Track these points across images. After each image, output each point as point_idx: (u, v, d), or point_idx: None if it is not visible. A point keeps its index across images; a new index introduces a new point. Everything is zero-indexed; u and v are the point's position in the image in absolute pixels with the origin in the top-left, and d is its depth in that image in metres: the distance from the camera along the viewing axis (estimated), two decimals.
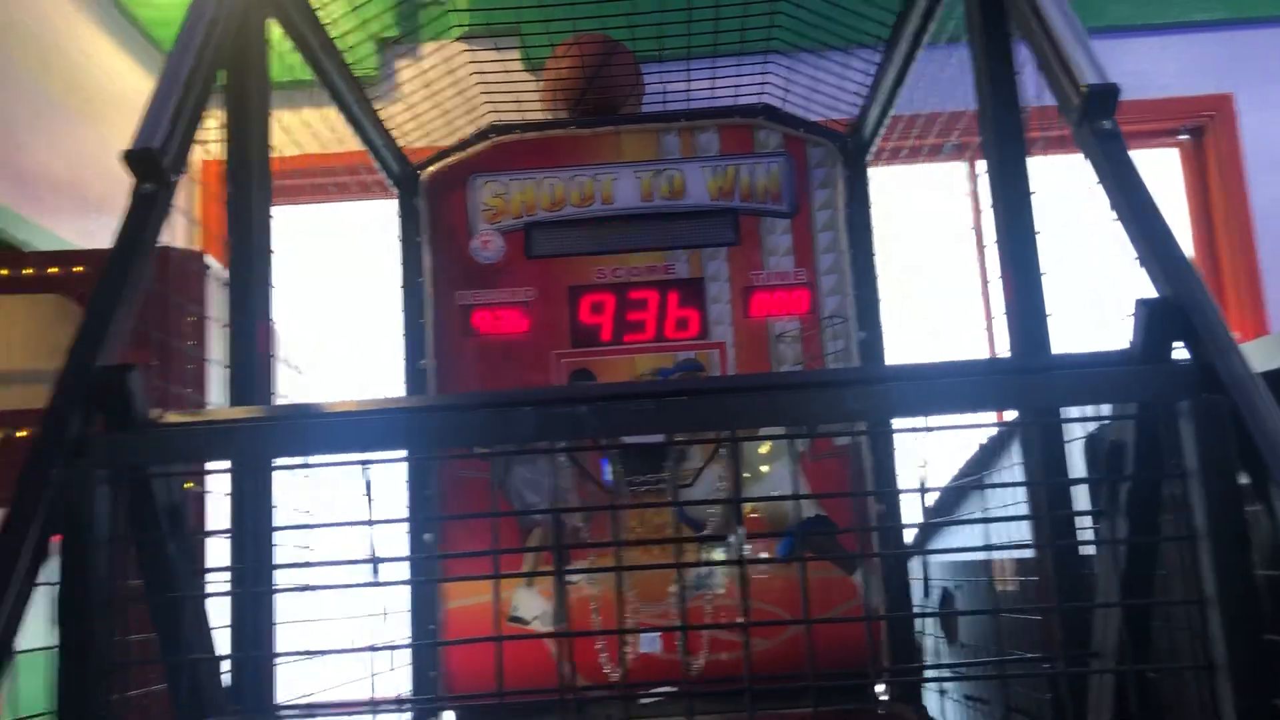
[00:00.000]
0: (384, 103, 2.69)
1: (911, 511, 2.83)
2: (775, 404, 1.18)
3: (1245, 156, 4.09)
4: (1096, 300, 1.68)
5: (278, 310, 1.91)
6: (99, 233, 3.27)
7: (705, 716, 1.18)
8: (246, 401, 1.75)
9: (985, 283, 3.12)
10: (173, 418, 1.25)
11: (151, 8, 3.69)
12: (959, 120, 2.37)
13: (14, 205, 2.86)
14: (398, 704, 1.27)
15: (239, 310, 1.80)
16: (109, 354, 1.26)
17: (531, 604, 2.56)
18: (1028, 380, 1.21)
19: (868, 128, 2.74)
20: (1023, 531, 1.99)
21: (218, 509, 1.93)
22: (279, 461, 1.65)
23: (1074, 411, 1.65)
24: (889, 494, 2.63)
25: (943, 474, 2.63)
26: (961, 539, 2.51)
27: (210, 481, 1.95)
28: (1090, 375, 1.20)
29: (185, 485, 1.30)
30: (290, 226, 2.17)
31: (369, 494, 1.20)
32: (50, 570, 1.15)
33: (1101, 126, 1.38)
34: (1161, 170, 4.18)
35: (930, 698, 2.47)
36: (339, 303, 2.57)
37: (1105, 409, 1.31)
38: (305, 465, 1.24)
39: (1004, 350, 1.87)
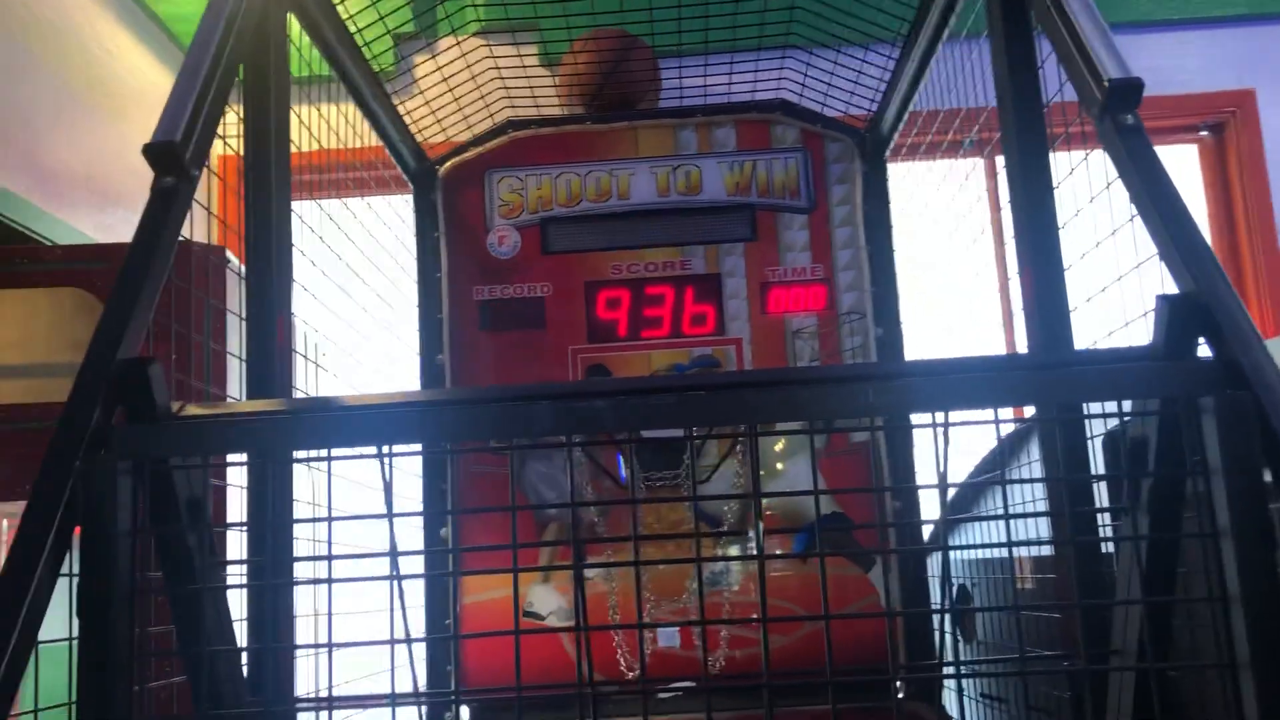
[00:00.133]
0: (401, 98, 2.70)
1: (929, 509, 2.82)
2: (794, 399, 1.18)
3: (1267, 153, 4.06)
4: (1102, 299, 1.66)
5: (298, 305, 1.92)
6: (118, 227, 3.29)
7: (721, 713, 1.18)
8: (263, 395, 1.75)
9: (1005, 279, 3.11)
10: (193, 410, 1.26)
11: (171, 3, 3.70)
12: (978, 116, 2.36)
13: (35, 199, 2.88)
14: (416, 698, 1.27)
15: (257, 304, 1.80)
16: (130, 347, 1.26)
17: (547, 600, 2.56)
18: (1049, 376, 1.21)
19: (886, 123, 2.73)
20: (1039, 530, 1.98)
21: (237, 502, 1.94)
22: (298, 454, 1.65)
23: (1093, 409, 1.64)
24: (906, 490, 2.63)
25: (959, 472, 2.62)
26: (978, 537, 2.50)
27: (230, 474, 1.96)
28: (1112, 371, 1.19)
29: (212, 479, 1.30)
30: (309, 222, 2.17)
31: (388, 487, 1.20)
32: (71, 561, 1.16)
33: (1124, 120, 1.37)
34: (1179, 167, 4.16)
35: (947, 696, 2.46)
36: (357, 298, 2.57)
37: (1124, 406, 1.30)
38: (325, 458, 1.23)
39: (1022, 347, 1.86)
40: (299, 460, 1.76)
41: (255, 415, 1.26)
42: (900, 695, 2.48)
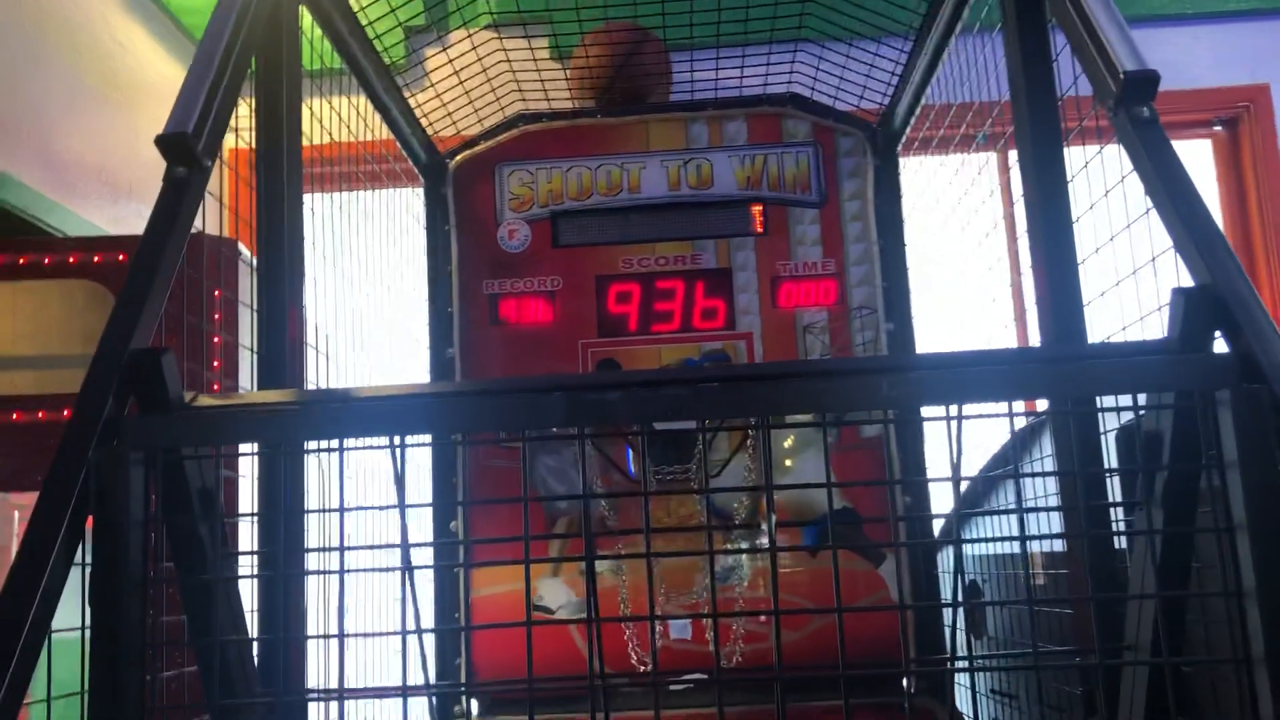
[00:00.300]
0: (412, 90, 2.69)
1: (939, 505, 2.82)
2: (808, 391, 1.17)
3: None
4: (1116, 294, 1.66)
5: (309, 297, 1.92)
6: (130, 219, 3.30)
7: (732, 708, 1.18)
8: (274, 386, 1.76)
9: (1018, 274, 3.10)
10: (205, 401, 1.26)
11: None
12: (991, 110, 2.35)
13: (47, 191, 2.89)
14: (427, 689, 1.27)
15: (268, 296, 1.81)
16: (143, 337, 1.26)
17: (557, 593, 2.56)
18: (1063, 369, 1.20)
19: (898, 117, 2.72)
20: (1051, 525, 1.97)
21: (248, 493, 1.94)
22: (310, 445, 1.65)
23: (1106, 403, 1.63)
24: (917, 485, 2.62)
25: (968, 468, 2.61)
26: (988, 533, 2.50)
27: (241, 465, 1.97)
28: (1127, 364, 1.18)
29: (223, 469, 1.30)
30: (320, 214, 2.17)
31: (400, 478, 1.20)
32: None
33: (1139, 113, 1.36)
34: (1193, 163, 4.14)
35: (957, 692, 2.46)
36: (368, 291, 2.57)
37: (1139, 400, 1.29)
38: (337, 449, 1.23)
39: (1035, 343, 1.85)
40: (310, 451, 1.76)
41: (267, 406, 1.26)
42: (910, 691, 2.48)
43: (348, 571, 1.20)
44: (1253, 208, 4.09)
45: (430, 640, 2.55)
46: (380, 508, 1.24)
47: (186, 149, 1.40)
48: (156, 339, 1.31)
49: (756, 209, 2.74)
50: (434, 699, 2.44)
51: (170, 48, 3.74)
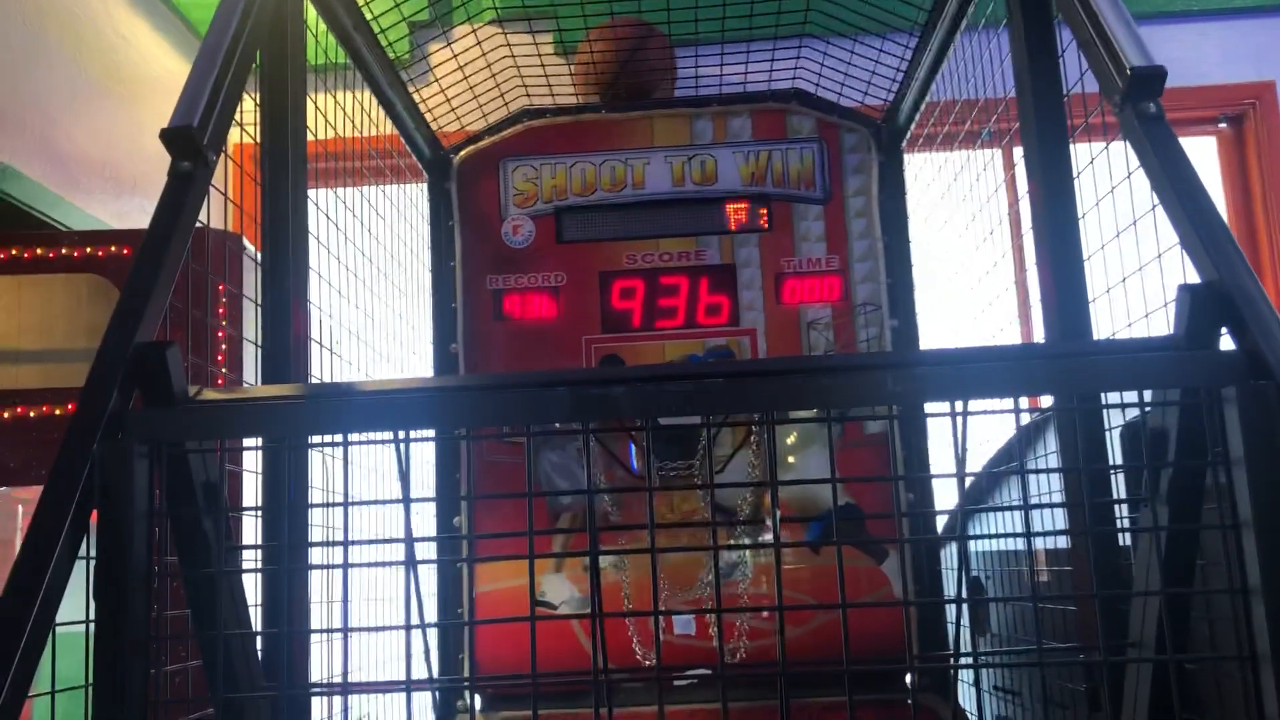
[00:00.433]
0: (416, 86, 2.69)
1: (942, 503, 2.82)
2: (814, 387, 1.17)
3: None
4: (1121, 291, 1.65)
5: (313, 292, 1.92)
6: (134, 214, 3.30)
7: (735, 704, 1.18)
8: (279, 381, 1.75)
9: (1022, 271, 3.09)
10: (210, 395, 1.26)
11: None
12: (996, 107, 2.34)
13: (51, 185, 2.89)
14: (431, 684, 1.27)
15: (273, 290, 1.80)
16: (147, 331, 1.26)
17: (560, 589, 2.56)
18: (1069, 365, 1.20)
19: (903, 113, 2.72)
20: (1054, 522, 1.97)
21: (252, 487, 1.94)
22: (314, 439, 1.65)
23: (1111, 400, 1.63)
24: (920, 482, 2.62)
25: (972, 465, 2.61)
26: (992, 529, 2.49)
27: (245, 460, 1.97)
28: (1133, 361, 1.18)
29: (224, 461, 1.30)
30: (324, 209, 2.17)
31: (404, 473, 1.20)
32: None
33: (1146, 109, 1.36)
34: (1198, 159, 4.12)
35: (960, 689, 2.46)
36: (372, 287, 2.57)
37: (1144, 397, 1.29)
38: (341, 444, 1.23)
39: (1039, 340, 1.85)
40: (314, 445, 1.76)
41: (271, 400, 1.26)
42: (914, 687, 2.48)
43: (351, 566, 1.20)
44: (1258, 205, 4.08)
45: (433, 635, 2.55)
46: (384, 502, 1.24)
47: (191, 143, 1.40)
48: (161, 333, 1.31)
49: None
50: (437, 694, 2.45)
51: (174, 42, 3.74)
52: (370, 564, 1.24)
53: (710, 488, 1.23)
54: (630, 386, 1.17)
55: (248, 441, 1.84)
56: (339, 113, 2.30)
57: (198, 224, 1.43)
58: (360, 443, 1.23)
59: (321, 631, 1.80)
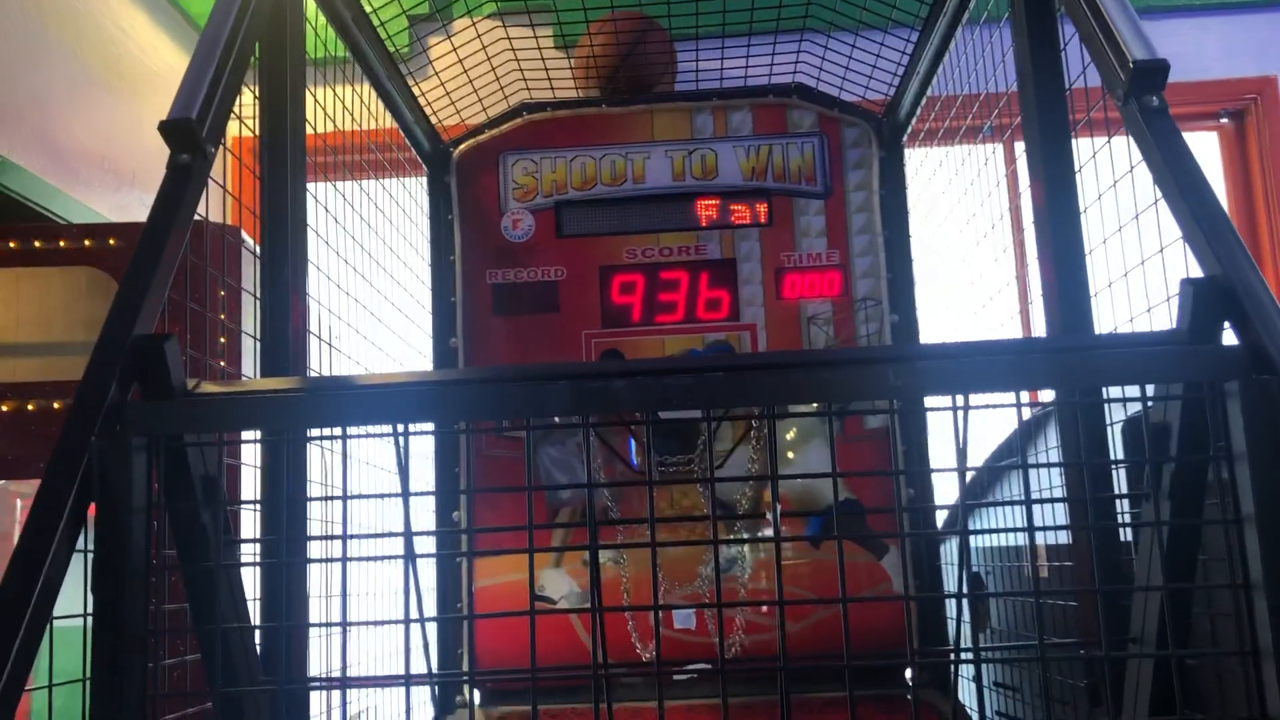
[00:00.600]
0: (416, 79, 2.69)
1: (942, 498, 2.81)
2: (815, 380, 1.17)
3: None
4: (1123, 286, 1.65)
5: (312, 286, 1.91)
6: (133, 207, 3.29)
7: (733, 699, 1.17)
8: (277, 374, 1.75)
9: (1023, 266, 3.09)
10: (208, 387, 1.25)
11: None
12: (997, 101, 2.34)
13: (50, 178, 2.88)
14: (430, 678, 1.27)
15: (272, 284, 1.80)
16: (146, 323, 1.26)
17: (559, 584, 2.56)
18: (1071, 359, 1.19)
19: (904, 108, 2.71)
20: (1054, 518, 1.97)
21: (251, 481, 1.94)
22: (313, 432, 1.65)
23: (1113, 394, 1.62)
24: (921, 476, 2.61)
25: (972, 460, 2.61)
26: (992, 524, 2.49)
27: (244, 453, 1.96)
28: (1135, 355, 1.17)
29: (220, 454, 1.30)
30: (323, 203, 2.17)
31: (403, 467, 1.20)
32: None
33: (1149, 102, 1.35)
34: (1200, 155, 4.10)
35: (960, 685, 2.45)
36: (371, 280, 2.57)
37: (1145, 391, 1.28)
38: (340, 437, 1.23)
39: (1040, 335, 1.84)
40: (313, 439, 1.76)
41: (270, 393, 1.25)
42: (911, 683, 2.47)
43: (350, 560, 1.20)
44: (1259, 200, 4.07)
45: (432, 630, 2.55)
46: (383, 495, 1.24)
47: (190, 135, 1.40)
48: (159, 326, 1.30)
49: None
50: (436, 688, 2.44)
51: (174, 35, 3.73)
52: (369, 558, 1.23)
53: (710, 481, 1.23)
54: (630, 380, 1.17)
55: (246, 434, 1.84)
56: (338, 106, 2.29)
57: (196, 217, 1.43)
58: (359, 436, 1.23)
59: (320, 625, 1.79)
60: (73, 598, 1.16)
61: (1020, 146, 1.86)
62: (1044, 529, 1.50)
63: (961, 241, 2.73)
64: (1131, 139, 1.41)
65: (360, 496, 1.24)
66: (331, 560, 1.27)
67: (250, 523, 2.03)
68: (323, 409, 1.22)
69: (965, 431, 1.17)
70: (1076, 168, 1.71)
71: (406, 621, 1.18)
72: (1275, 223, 4.01)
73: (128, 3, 3.46)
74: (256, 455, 1.75)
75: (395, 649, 2.44)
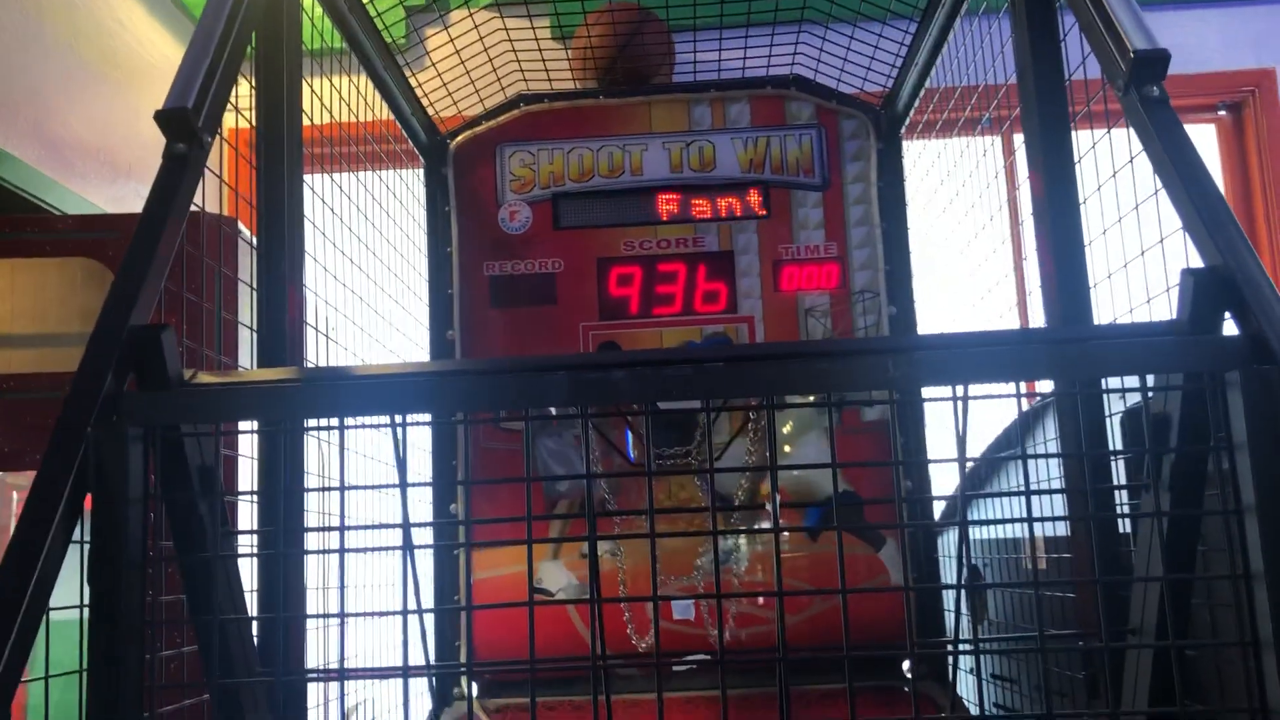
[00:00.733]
0: (413, 70, 2.68)
1: (940, 489, 2.81)
2: (814, 371, 1.16)
3: None
4: (1122, 278, 1.65)
5: (309, 277, 1.90)
6: (129, 199, 3.28)
7: (732, 691, 1.17)
8: (274, 365, 1.74)
9: (1020, 258, 3.09)
10: (205, 378, 1.25)
11: None
12: (995, 93, 2.33)
13: (46, 169, 2.87)
14: (428, 670, 1.26)
15: (268, 275, 1.79)
16: (142, 314, 1.25)
17: (557, 576, 2.56)
18: (1072, 349, 1.19)
19: (902, 99, 2.70)
20: (1052, 509, 1.97)
21: (247, 472, 1.93)
22: (310, 423, 1.64)
23: (1113, 385, 1.62)
24: (919, 468, 2.61)
25: (971, 452, 2.60)
26: (990, 515, 2.49)
27: (241, 444, 1.96)
28: (1136, 345, 1.17)
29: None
30: (320, 194, 2.16)
31: (401, 458, 1.19)
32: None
33: (1149, 92, 1.35)
34: (1196, 146, 4.10)
35: (958, 677, 2.46)
36: (368, 271, 2.56)
37: (1145, 382, 1.28)
38: (337, 427, 1.22)
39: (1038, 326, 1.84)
40: (310, 429, 1.75)
41: (267, 383, 1.25)
42: (910, 675, 2.48)
43: (348, 551, 1.19)
44: (1257, 193, 4.07)
45: (430, 621, 2.55)
46: (380, 486, 1.23)
47: (186, 124, 1.39)
48: (156, 316, 1.30)
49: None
50: (434, 680, 2.44)
51: (170, 26, 3.72)
52: (367, 549, 1.23)
53: (710, 472, 1.23)
54: (629, 371, 1.16)
55: (243, 425, 1.83)
56: (335, 97, 2.28)
57: (193, 208, 1.42)
58: (356, 426, 1.22)
59: (318, 617, 1.79)
60: (69, 589, 1.16)
61: (1019, 138, 1.85)
62: (1045, 519, 1.50)
63: (960, 234, 2.72)
64: (1131, 130, 1.40)
65: (358, 488, 1.23)
66: (329, 552, 1.27)
67: (247, 514, 2.03)
68: (320, 400, 1.22)
69: (965, 422, 1.17)
70: (1076, 159, 1.71)
71: (404, 613, 1.17)
72: (1273, 215, 4.01)
73: None
74: (254, 446, 1.75)
75: (393, 641, 2.44)
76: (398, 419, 1.18)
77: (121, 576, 1.14)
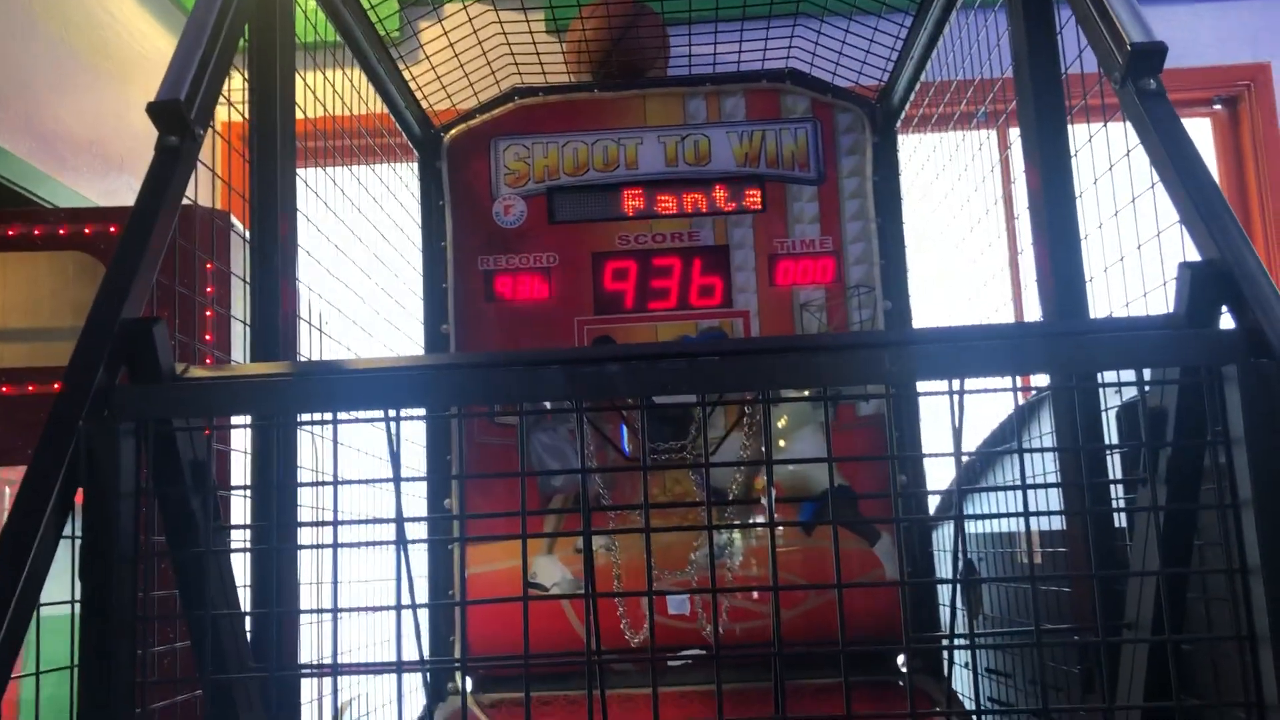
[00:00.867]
0: (407, 64, 2.66)
1: (935, 484, 2.81)
2: (810, 365, 1.16)
3: None
4: (1118, 273, 1.64)
5: (303, 271, 1.90)
6: (121, 192, 3.26)
7: (726, 685, 1.17)
8: (268, 359, 1.74)
9: (1015, 252, 3.08)
10: (197, 372, 1.24)
11: None
12: (991, 87, 2.33)
13: (37, 163, 2.85)
14: (422, 665, 1.26)
15: (261, 269, 1.78)
16: (134, 307, 1.24)
17: (551, 571, 2.56)
18: (1068, 343, 1.18)
19: (897, 94, 2.70)
20: (1047, 504, 1.97)
21: (240, 467, 1.93)
22: (303, 417, 1.64)
23: (1109, 380, 1.62)
24: (914, 462, 2.61)
25: (967, 445, 2.60)
26: (985, 510, 2.49)
27: (234, 439, 1.95)
28: (1133, 339, 1.17)
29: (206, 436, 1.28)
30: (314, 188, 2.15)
31: (395, 452, 1.18)
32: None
33: (1146, 85, 1.35)
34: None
35: (951, 672, 2.46)
36: (362, 266, 2.55)
37: (1142, 376, 1.28)
38: (330, 421, 1.22)
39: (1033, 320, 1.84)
40: (303, 424, 1.75)
41: (260, 377, 1.24)
42: (905, 669, 2.48)
43: (341, 546, 1.18)
44: (1251, 187, 4.07)
45: (424, 616, 2.54)
46: (374, 481, 1.23)
47: (178, 117, 1.38)
48: (148, 310, 1.29)
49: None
50: (428, 675, 2.44)
51: (162, 18, 3.70)
52: (360, 544, 1.22)
53: (705, 466, 1.22)
54: (625, 364, 1.16)
55: (236, 420, 1.82)
56: (329, 90, 2.27)
57: (186, 200, 1.41)
58: (349, 421, 1.22)
59: (311, 612, 1.78)
60: (61, 584, 1.15)
61: (1015, 132, 1.85)
62: (1041, 514, 1.50)
63: (955, 228, 2.72)
64: (1127, 123, 1.40)
65: (351, 482, 1.22)
66: (322, 546, 1.26)
67: (240, 509, 2.02)
68: (313, 394, 1.21)
69: (961, 416, 1.16)
70: (1072, 153, 1.70)
71: (398, 608, 1.17)
72: (1268, 210, 4.01)
73: None
74: (247, 441, 1.74)
75: (387, 636, 2.43)
76: (391, 413, 1.17)
77: (113, 571, 1.13)
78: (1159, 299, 1.45)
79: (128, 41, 3.46)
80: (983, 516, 2.41)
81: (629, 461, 2.58)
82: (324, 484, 1.28)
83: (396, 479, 1.19)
